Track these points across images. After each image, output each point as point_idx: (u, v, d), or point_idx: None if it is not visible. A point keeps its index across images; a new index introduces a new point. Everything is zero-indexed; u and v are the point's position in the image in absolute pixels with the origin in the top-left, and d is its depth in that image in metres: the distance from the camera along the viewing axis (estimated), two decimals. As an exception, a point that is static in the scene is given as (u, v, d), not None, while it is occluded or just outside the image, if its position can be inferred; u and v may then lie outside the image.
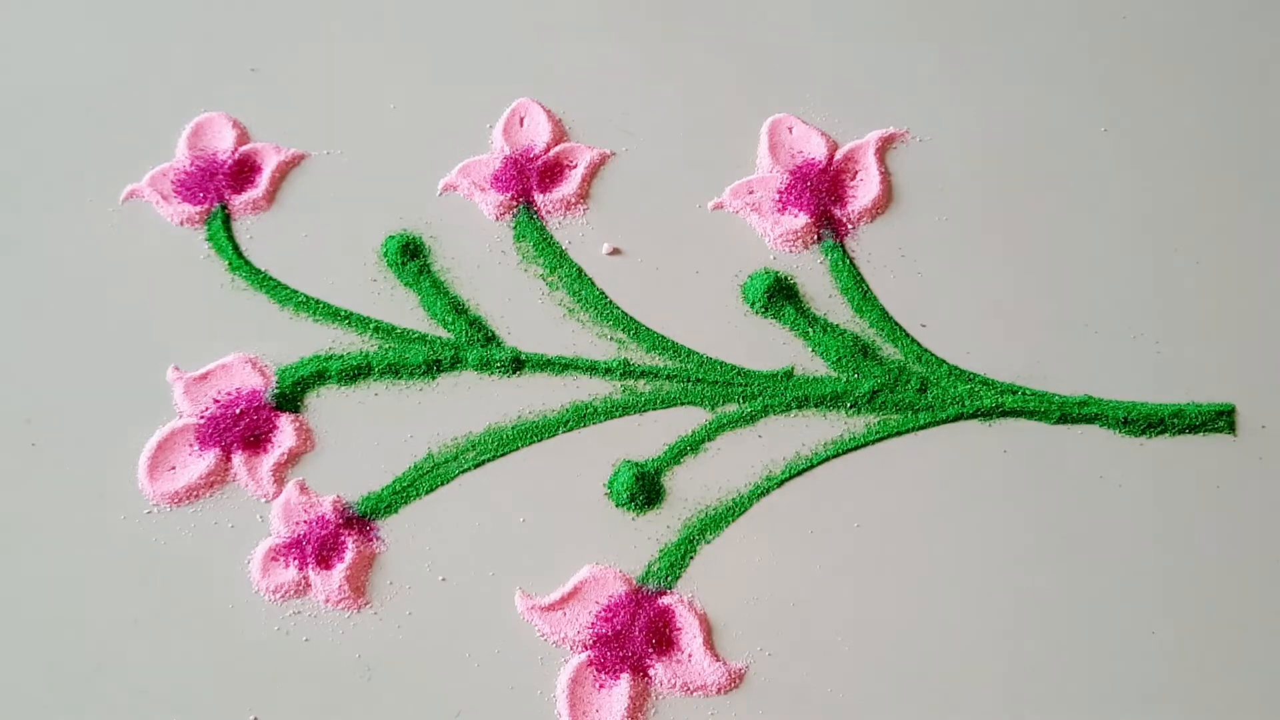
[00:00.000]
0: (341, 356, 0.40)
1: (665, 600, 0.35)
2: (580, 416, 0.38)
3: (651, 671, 0.34)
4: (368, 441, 0.38)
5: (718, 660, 0.34)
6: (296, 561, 0.36)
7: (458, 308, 0.40)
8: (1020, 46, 0.44)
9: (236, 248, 0.42)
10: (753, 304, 0.39)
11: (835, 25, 0.45)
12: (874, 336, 0.39)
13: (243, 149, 0.44)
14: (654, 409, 0.38)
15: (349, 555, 0.36)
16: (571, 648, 0.35)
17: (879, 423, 0.38)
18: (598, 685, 0.34)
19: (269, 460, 0.38)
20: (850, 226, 0.41)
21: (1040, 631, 0.34)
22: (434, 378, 0.39)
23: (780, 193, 0.42)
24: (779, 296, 0.39)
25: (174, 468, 0.38)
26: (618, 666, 0.34)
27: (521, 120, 0.44)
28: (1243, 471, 0.36)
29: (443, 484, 0.37)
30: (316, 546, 0.36)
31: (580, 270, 0.41)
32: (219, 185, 0.43)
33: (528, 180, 0.42)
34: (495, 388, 0.39)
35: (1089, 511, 0.36)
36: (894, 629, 0.35)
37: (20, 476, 0.38)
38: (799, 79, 0.44)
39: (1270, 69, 0.43)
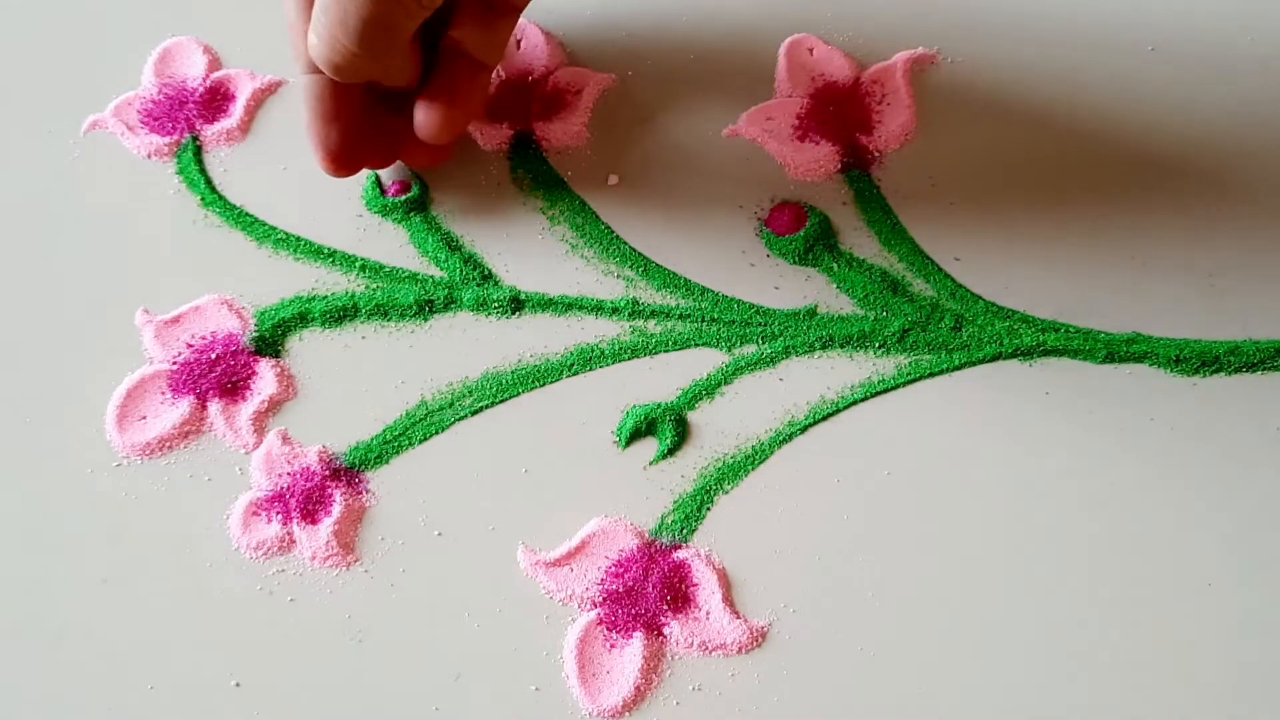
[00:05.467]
0: (325, 297, 0.37)
1: (681, 554, 0.33)
2: (585, 360, 0.36)
3: (666, 630, 0.32)
4: (355, 388, 0.36)
5: (738, 617, 0.32)
6: (280, 516, 0.34)
7: (451, 244, 0.38)
8: (1058, -39, 0.41)
9: (209, 181, 0.40)
10: (786, 254, 0.37)
11: (857, -61, 0.42)
12: (904, 271, 0.37)
13: (215, 75, 0.41)
14: (666, 351, 0.36)
15: (336, 509, 0.34)
16: (579, 605, 0.33)
17: (910, 364, 0.36)
18: (608, 645, 0.32)
19: (248, 408, 0.36)
20: (877, 154, 0.39)
21: (1085, 586, 0.32)
22: (426, 319, 0.37)
23: (800, 118, 0.39)
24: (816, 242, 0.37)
25: (145, 417, 0.36)
26: (630, 625, 0.32)
27: (518, 43, 0.41)
28: (1303, 413, 0.34)
29: (437, 433, 0.35)
30: (301, 500, 0.34)
31: (584, 203, 0.39)
32: (189, 115, 0.41)
33: (526, 107, 0.40)
34: (493, 329, 0.37)
35: (1138, 457, 0.34)
36: (927, 584, 0.32)
37: (-24, 427, 0.35)
38: (819, -4, 0.41)
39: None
